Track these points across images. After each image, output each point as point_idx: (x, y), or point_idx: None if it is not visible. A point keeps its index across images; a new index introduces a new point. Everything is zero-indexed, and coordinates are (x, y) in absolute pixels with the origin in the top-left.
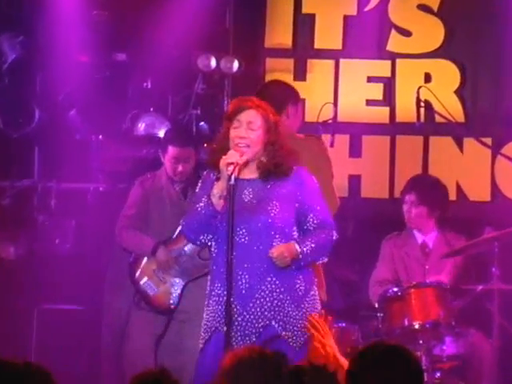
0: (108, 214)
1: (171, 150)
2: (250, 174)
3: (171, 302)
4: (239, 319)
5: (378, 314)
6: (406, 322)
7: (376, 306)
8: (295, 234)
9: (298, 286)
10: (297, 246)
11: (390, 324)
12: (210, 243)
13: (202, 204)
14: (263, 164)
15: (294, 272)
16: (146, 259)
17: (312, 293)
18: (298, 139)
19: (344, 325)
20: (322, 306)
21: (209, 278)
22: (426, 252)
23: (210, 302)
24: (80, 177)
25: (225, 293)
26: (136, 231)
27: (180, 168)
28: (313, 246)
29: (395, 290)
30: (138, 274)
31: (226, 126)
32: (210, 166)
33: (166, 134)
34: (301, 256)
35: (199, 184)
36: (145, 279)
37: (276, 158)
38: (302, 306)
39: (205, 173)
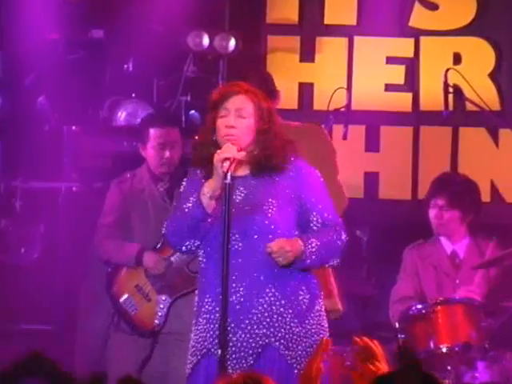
0: (82, 218)
1: (154, 134)
2: (242, 170)
3: (156, 322)
4: (233, 339)
5: (399, 336)
6: (432, 345)
7: (396, 326)
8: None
9: (301, 297)
10: (300, 242)
11: (412, 347)
12: (197, 251)
13: (189, 204)
14: (254, 157)
15: (296, 282)
16: (125, 272)
17: (317, 307)
18: (293, 128)
19: None
20: (331, 321)
21: (197, 292)
22: (456, 263)
23: (200, 320)
24: (50, 175)
25: (217, 309)
26: (116, 240)
27: (167, 154)
28: (319, 244)
29: (419, 307)
30: (116, 289)
31: (211, 116)
32: (194, 162)
33: (143, 118)
34: (305, 255)
35: (184, 181)
36: (125, 296)
37: (268, 150)
38: (307, 321)
39: (192, 168)
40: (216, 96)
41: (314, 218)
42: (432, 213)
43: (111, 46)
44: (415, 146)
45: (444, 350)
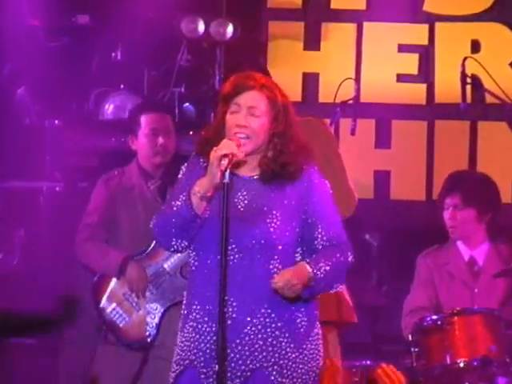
0: (66, 220)
1: (146, 120)
2: (249, 171)
3: (147, 333)
4: None
5: (413, 349)
6: (448, 359)
7: (410, 338)
8: (298, 256)
9: (299, 320)
10: (308, 268)
11: (427, 362)
12: (184, 251)
13: (178, 203)
14: (268, 161)
15: (292, 305)
16: (114, 279)
17: (316, 331)
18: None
19: (369, 363)
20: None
21: (184, 294)
22: (474, 271)
23: (186, 326)
24: (30, 173)
25: (205, 319)
26: (100, 243)
27: (161, 140)
28: (327, 268)
29: (434, 318)
30: (104, 298)
31: (221, 110)
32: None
33: (133, 107)
34: (313, 281)
35: (183, 169)
36: (113, 306)
37: (284, 156)
38: (304, 346)
39: (192, 156)
40: (228, 88)
41: (319, 236)
42: (446, 214)
43: (98, 33)
44: (430, 142)
45: (461, 364)
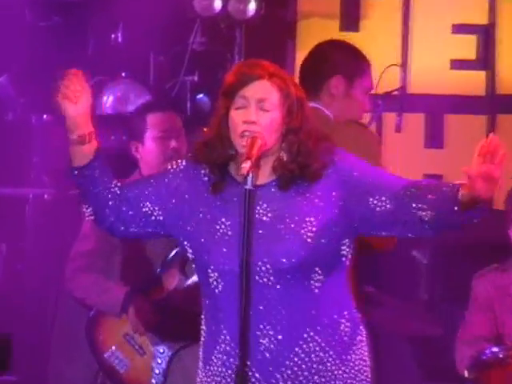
0: (56, 233)
1: (155, 120)
2: (263, 178)
3: (153, 382)
4: None
5: None
6: None
7: (466, 374)
8: (345, 250)
9: (342, 327)
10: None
11: None
12: (208, 271)
13: None
14: (283, 164)
15: (336, 308)
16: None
17: (359, 338)
18: (334, 124)
19: None
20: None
21: (203, 318)
22: None
23: (213, 359)
24: (14, 179)
25: (237, 351)
26: (98, 275)
27: (173, 143)
28: None
29: (495, 350)
30: (101, 339)
31: (223, 106)
32: (198, 163)
33: (137, 108)
34: None
35: (183, 164)
36: (112, 348)
37: (301, 156)
38: (349, 358)
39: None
40: (231, 79)
41: (375, 201)
42: None
43: (94, 10)
44: None
45: None
